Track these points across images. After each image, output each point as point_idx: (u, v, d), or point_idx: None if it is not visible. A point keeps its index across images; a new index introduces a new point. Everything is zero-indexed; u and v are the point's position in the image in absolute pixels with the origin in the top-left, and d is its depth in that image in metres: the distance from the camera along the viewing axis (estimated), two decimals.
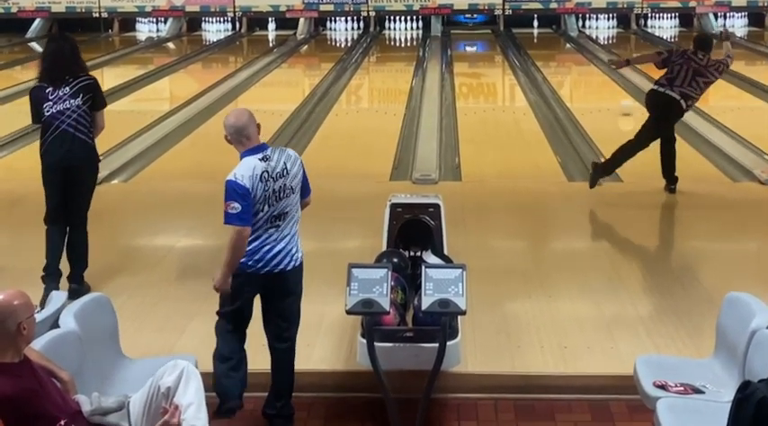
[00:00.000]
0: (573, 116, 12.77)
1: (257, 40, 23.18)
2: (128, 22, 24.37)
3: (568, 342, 5.72)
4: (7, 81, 16.17)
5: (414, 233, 5.96)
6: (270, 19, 24.02)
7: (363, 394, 5.23)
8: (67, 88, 6.38)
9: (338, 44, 22.95)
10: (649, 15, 23.78)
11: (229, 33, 23.90)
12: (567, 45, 21.84)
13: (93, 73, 6.75)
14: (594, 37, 22.60)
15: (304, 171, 4.92)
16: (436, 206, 6.09)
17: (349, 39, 23.09)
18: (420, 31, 23.46)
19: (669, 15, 23.88)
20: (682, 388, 4.46)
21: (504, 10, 23.17)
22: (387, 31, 23.81)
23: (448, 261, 5.66)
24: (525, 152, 11.02)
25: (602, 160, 9.27)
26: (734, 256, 7.49)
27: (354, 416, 5.14)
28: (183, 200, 8.82)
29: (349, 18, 23.77)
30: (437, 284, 4.60)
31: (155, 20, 24.16)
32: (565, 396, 5.26)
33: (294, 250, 4.85)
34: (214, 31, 24.13)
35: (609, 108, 13.55)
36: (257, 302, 4.94)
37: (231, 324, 4.90)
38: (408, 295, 5.35)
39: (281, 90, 17.03)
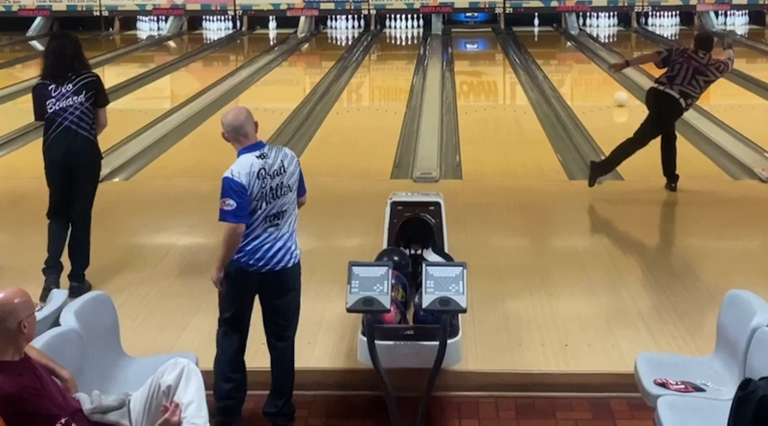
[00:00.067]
0: (573, 114, 12.77)
1: (258, 39, 23.18)
2: (128, 20, 24.38)
3: (569, 340, 5.72)
4: (8, 79, 16.17)
5: (414, 231, 5.97)
6: (270, 17, 24.02)
7: (364, 393, 5.24)
8: (70, 85, 6.41)
9: (339, 42, 22.95)
10: (650, 13, 23.78)
11: (230, 32, 23.90)
12: (568, 43, 21.83)
13: (94, 71, 6.75)
14: (595, 35, 22.59)
15: (300, 170, 4.94)
16: (437, 204, 6.09)
17: (350, 37, 23.08)
18: (421, 30, 23.45)
19: (670, 13, 23.89)
20: (682, 386, 4.46)
21: (504, 8, 23.16)
22: (387, 30, 23.81)
23: (448, 259, 5.67)
24: (526, 150, 11.01)
25: (602, 159, 9.27)
26: (735, 254, 7.50)
27: (355, 414, 5.15)
28: (185, 198, 8.82)
29: (350, 16, 23.77)
30: (438, 282, 4.60)
31: (155, 18, 24.16)
32: (565, 394, 5.26)
33: (293, 247, 4.87)
34: (215, 29, 24.13)
35: (609, 106, 13.55)
36: (256, 303, 4.96)
37: (232, 330, 4.91)
38: (409, 293, 5.35)
39: (282, 88, 17.03)
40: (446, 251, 5.90)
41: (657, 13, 23.80)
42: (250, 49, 21.96)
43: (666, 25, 23.81)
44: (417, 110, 13.25)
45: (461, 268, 4.67)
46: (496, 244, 7.68)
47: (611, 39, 22.44)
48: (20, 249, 7.46)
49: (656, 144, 8.87)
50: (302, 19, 23.40)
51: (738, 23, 23.70)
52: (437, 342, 4.61)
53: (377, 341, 4.63)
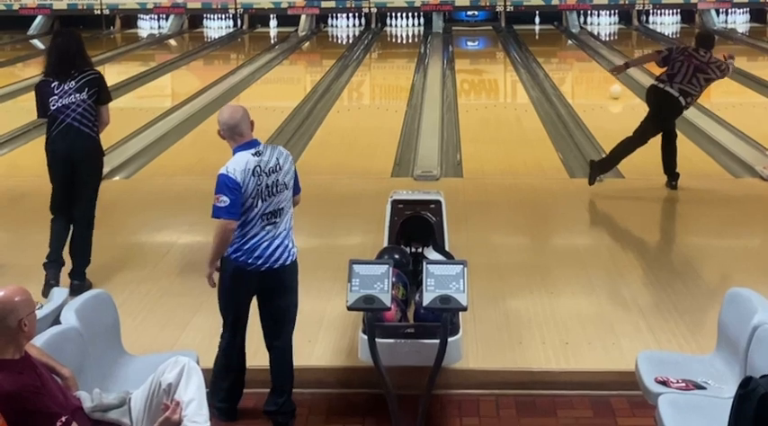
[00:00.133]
0: (574, 112, 12.77)
1: (259, 37, 23.17)
2: (129, 18, 24.39)
3: (570, 338, 5.72)
4: (9, 78, 16.18)
5: (415, 229, 5.96)
6: (271, 16, 24.01)
7: (365, 391, 5.24)
8: (73, 82, 6.42)
9: (340, 41, 22.94)
10: (651, 11, 23.77)
11: (231, 30, 23.89)
12: (569, 41, 21.82)
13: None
14: (596, 33, 22.57)
15: (295, 168, 4.97)
16: (437, 202, 6.09)
17: (350, 35, 23.08)
18: (421, 28, 23.45)
19: (671, 11, 23.88)
20: (683, 384, 4.46)
21: (505, 6, 23.16)
22: (388, 28, 23.80)
23: (449, 258, 5.67)
24: (527, 148, 11.01)
25: (602, 157, 9.27)
26: (735, 252, 7.49)
27: (356, 412, 5.15)
28: (185, 197, 8.82)
29: (350, 15, 23.77)
30: (438, 280, 4.60)
31: (156, 17, 24.16)
32: (566, 392, 5.26)
33: (290, 245, 4.89)
34: (215, 27, 24.12)
35: (610, 104, 13.54)
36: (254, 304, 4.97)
37: (232, 331, 4.93)
38: (409, 291, 5.35)
39: (283, 87, 17.03)
40: (447, 249, 5.90)
41: (658, 11, 23.79)
42: (251, 48, 21.96)
43: (667, 23, 23.80)
44: (418, 109, 13.25)
45: (462, 266, 4.67)
46: (497, 242, 7.68)
47: (611, 38, 22.43)
48: (21, 247, 7.46)
49: (656, 142, 8.87)
50: (303, 17, 23.39)
51: (739, 21, 23.68)
52: (438, 340, 4.61)
53: (377, 340, 4.63)
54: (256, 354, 5.08)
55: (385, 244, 5.90)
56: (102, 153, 6.72)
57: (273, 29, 23.98)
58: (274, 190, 4.79)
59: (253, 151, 4.79)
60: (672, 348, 5.54)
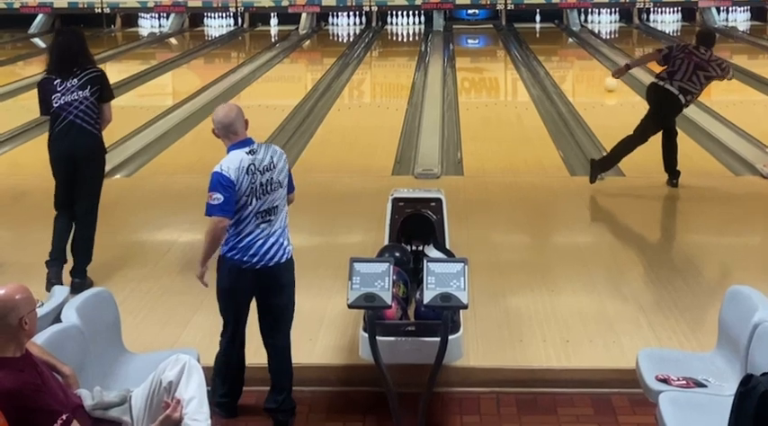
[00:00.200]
0: (575, 110, 12.76)
1: (259, 36, 23.17)
2: (130, 17, 24.40)
3: (570, 336, 5.72)
4: (10, 77, 16.20)
5: (416, 227, 5.96)
6: (272, 14, 24.02)
7: (365, 389, 5.24)
8: (75, 80, 6.43)
9: (340, 39, 22.94)
10: (651, 9, 23.76)
11: (231, 29, 23.89)
12: (570, 40, 21.82)
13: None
14: (597, 31, 22.57)
15: (289, 167, 4.98)
16: (438, 200, 6.09)
17: (351, 34, 23.07)
18: (422, 26, 23.45)
19: (671, 9, 23.87)
20: (684, 382, 4.46)
21: (506, 5, 23.15)
22: (389, 26, 23.80)
23: (450, 256, 5.67)
24: (527, 147, 11.01)
25: (603, 156, 9.27)
26: (736, 250, 7.49)
27: (356, 410, 5.14)
28: (186, 195, 8.81)
29: (351, 13, 23.77)
30: (439, 278, 4.60)
31: (157, 15, 24.16)
32: (567, 390, 5.26)
33: (286, 243, 4.90)
34: (216, 26, 24.12)
35: (611, 102, 13.54)
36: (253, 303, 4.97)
37: (232, 330, 4.93)
38: (410, 289, 5.35)
39: (284, 85, 17.03)
40: (447, 247, 5.90)
41: (659, 10, 23.78)
42: (251, 46, 21.96)
43: (668, 21, 23.80)
44: (419, 107, 13.25)
45: (463, 264, 4.67)
46: (498, 240, 7.68)
47: (612, 36, 22.42)
48: (22, 245, 7.46)
49: (657, 140, 8.87)
50: (304, 16, 23.39)
51: (740, 19, 23.68)
52: (438, 338, 4.61)
53: (378, 337, 4.63)
54: (257, 352, 5.08)
55: (386, 242, 5.90)
56: (105, 150, 6.73)
57: (274, 27, 23.98)
58: (268, 188, 4.80)
59: (247, 149, 4.81)
60: (672, 345, 5.54)
